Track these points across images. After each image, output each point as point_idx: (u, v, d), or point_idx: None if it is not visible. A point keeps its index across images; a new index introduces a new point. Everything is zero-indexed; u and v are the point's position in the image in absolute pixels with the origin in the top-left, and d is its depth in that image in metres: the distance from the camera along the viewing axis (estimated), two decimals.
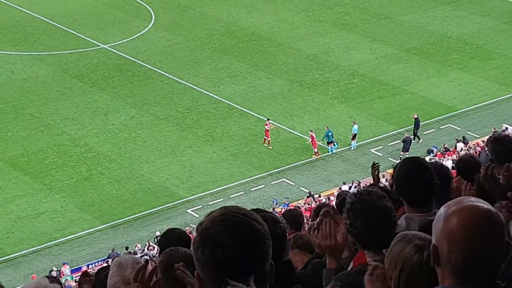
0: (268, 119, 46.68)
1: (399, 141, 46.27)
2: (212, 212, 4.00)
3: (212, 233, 3.87)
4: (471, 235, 3.85)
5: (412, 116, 46.78)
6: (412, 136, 46.07)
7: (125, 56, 55.81)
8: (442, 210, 3.97)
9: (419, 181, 6.68)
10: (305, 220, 14.75)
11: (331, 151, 45.89)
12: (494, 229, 3.88)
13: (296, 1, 64.21)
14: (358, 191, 6.19)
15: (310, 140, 45.52)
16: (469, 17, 61.42)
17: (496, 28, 59.60)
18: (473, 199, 3.99)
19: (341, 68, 54.32)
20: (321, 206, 12.12)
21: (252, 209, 6.25)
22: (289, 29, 59.78)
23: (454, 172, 9.95)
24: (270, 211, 7.17)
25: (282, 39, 58.25)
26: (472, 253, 3.86)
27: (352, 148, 46.39)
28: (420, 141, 46.18)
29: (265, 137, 46.17)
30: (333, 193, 40.45)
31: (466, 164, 9.55)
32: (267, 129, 46.06)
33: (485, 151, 9.94)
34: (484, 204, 3.94)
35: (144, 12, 62.27)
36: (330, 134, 45.68)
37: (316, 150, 45.53)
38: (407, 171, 6.82)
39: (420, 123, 46.64)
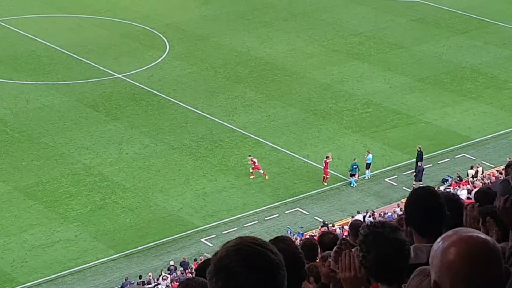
0: (328, 155, 45.87)
1: (413, 170, 46.19)
2: (228, 242, 4.01)
3: (226, 263, 3.87)
4: (471, 267, 3.84)
5: (418, 148, 46.49)
6: (421, 165, 45.74)
7: (140, 85, 56.04)
8: (437, 245, 3.97)
9: (428, 210, 6.68)
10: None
11: (353, 183, 45.63)
12: (493, 258, 3.89)
13: (310, 30, 64.41)
14: (371, 222, 6.16)
15: (252, 164, 45.62)
16: (483, 46, 61.44)
17: (511, 58, 59.59)
18: (466, 230, 4.00)
19: (355, 97, 54.36)
20: (323, 235, 12.06)
21: (276, 237, 6.23)
22: (303, 58, 59.93)
23: (468, 201, 9.89)
24: (290, 238, 7.10)
25: (296, 68, 58.38)
26: (475, 284, 3.85)
27: (367, 178, 46.29)
28: (414, 173, 45.71)
29: (324, 174, 45.52)
30: (348, 222, 40.32)
31: (484, 196, 9.50)
32: (327, 162, 45.26)
33: (508, 179, 9.85)
34: (480, 234, 3.95)
35: (158, 42, 62.59)
36: (355, 167, 45.51)
37: (258, 172, 45.61)
38: (417, 200, 6.83)
39: (423, 156, 46.32)
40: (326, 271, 6.20)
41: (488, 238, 3.96)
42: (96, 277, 39.20)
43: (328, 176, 45.56)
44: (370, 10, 67.96)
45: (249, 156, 46.37)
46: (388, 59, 59.68)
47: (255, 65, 58.97)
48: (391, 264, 5.81)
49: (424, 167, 46.03)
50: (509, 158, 46.13)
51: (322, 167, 45.71)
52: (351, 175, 45.72)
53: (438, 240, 3.99)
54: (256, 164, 45.72)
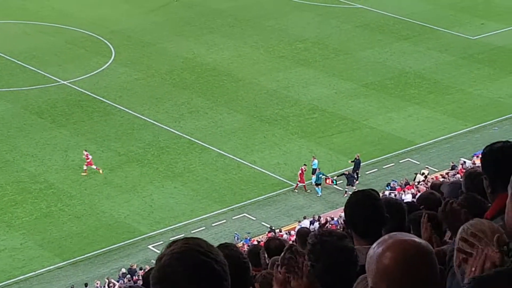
0: (305, 164, 46.14)
1: (359, 175, 46.67)
2: (173, 243, 4.00)
3: (169, 272, 3.90)
4: (406, 270, 3.91)
5: (356, 156, 46.81)
6: (351, 174, 46.08)
7: (85, 92, 55.71)
8: (372, 250, 4.03)
9: (367, 212, 6.77)
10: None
11: (319, 193, 45.85)
12: (428, 261, 3.97)
13: (255, 36, 64.64)
14: (318, 231, 6.18)
15: (86, 159, 46.24)
16: (426, 52, 62.23)
17: (453, 64, 60.42)
18: (400, 234, 4.08)
19: (301, 103, 54.68)
20: (269, 240, 12.18)
21: (220, 244, 6.29)
22: (249, 64, 60.12)
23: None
24: (235, 245, 7.12)
25: (242, 74, 58.55)
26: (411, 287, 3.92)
27: (313, 183, 46.58)
28: (357, 182, 46.03)
29: (298, 182, 45.74)
30: (295, 227, 40.59)
31: (426, 201, 9.72)
32: (302, 171, 45.48)
33: (457, 181, 10.12)
34: (414, 238, 4.04)
35: (104, 48, 62.28)
36: (320, 175, 45.72)
37: (86, 167, 46.15)
38: (356, 202, 6.93)
39: (361, 164, 46.75)
40: (282, 278, 6.24)
41: (422, 241, 4.04)
42: (42, 285, 38.86)
43: (298, 184, 45.80)
44: (315, 17, 68.44)
45: (85, 150, 46.54)
46: (333, 65, 60.15)
47: (202, 71, 59.00)
48: (340, 272, 5.85)
49: (369, 171, 46.51)
50: (452, 163, 46.89)
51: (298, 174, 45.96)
52: (317, 185, 45.92)
53: (373, 245, 4.04)
54: (89, 159, 45.99)
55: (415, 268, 3.93)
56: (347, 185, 45.55)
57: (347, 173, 45.96)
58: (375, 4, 70.60)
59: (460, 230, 5.47)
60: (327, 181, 46.15)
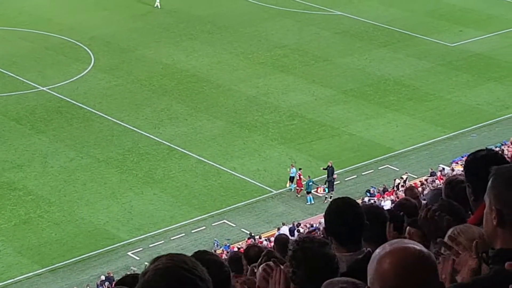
0: (300, 168, 46.49)
1: (338, 181, 46.76)
2: (158, 259, 4.02)
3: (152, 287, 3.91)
4: (402, 276, 3.93)
5: (329, 163, 46.86)
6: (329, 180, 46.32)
7: (65, 98, 55.55)
8: (376, 252, 4.08)
9: (347, 219, 6.79)
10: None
11: (310, 201, 45.94)
12: (425, 270, 3.98)
13: (235, 43, 64.70)
14: (299, 238, 6.21)
15: None
16: (405, 59, 62.49)
17: (432, 70, 60.71)
18: (405, 241, 4.10)
19: (280, 109, 54.78)
20: (249, 248, 12.25)
21: (197, 251, 6.29)
22: (228, 71, 60.16)
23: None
24: (214, 253, 7.11)
25: (221, 81, 58.58)
26: None
27: (291, 189, 46.63)
28: (333, 192, 46.27)
29: (299, 187, 46.13)
30: (274, 234, 40.62)
31: (402, 207, 9.79)
32: (299, 176, 45.89)
33: (440, 188, 10.15)
34: (416, 245, 4.05)
35: (83, 54, 62.13)
36: (310, 183, 45.79)
37: None
38: (336, 210, 6.94)
39: (335, 171, 46.83)
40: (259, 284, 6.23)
41: (424, 249, 4.04)
42: None
43: (298, 189, 46.17)
44: (295, 23, 68.60)
45: None
46: (313, 72, 60.28)
47: (181, 78, 58.98)
48: (321, 279, 5.83)
49: (349, 178, 46.65)
50: (431, 169, 47.09)
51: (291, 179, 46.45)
52: (308, 193, 45.97)
53: (378, 248, 4.09)
54: None
55: (413, 276, 3.95)
56: (331, 192, 45.62)
57: (335, 177, 46.06)
58: (354, 11, 70.85)
59: (449, 231, 5.51)
60: (319, 189, 46.21)
